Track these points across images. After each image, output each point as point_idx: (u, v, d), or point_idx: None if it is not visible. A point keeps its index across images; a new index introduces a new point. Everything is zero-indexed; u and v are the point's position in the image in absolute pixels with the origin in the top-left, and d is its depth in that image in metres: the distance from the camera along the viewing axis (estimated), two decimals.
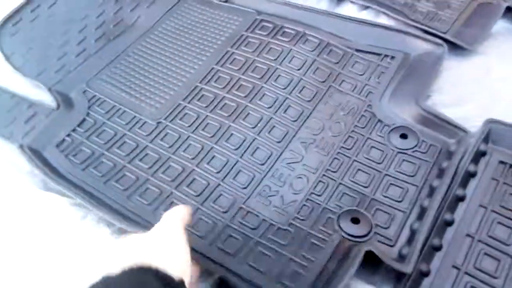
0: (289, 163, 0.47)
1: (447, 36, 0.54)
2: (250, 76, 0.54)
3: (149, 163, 0.47)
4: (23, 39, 0.60)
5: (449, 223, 0.40)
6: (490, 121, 0.45)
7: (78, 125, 0.51)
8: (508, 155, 0.44)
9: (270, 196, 0.44)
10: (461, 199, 0.41)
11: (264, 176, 0.46)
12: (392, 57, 0.54)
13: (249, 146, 0.48)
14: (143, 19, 0.63)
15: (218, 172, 0.46)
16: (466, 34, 0.55)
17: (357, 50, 0.56)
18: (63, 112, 0.53)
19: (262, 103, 0.51)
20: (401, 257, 0.38)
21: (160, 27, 0.62)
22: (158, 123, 0.51)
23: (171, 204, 0.44)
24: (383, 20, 0.58)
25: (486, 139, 0.44)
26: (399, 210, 0.42)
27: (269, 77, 0.53)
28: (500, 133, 0.45)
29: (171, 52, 0.58)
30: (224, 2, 0.64)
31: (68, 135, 0.50)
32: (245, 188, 0.45)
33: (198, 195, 0.45)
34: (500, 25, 0.57)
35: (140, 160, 0.48)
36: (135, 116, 0.52)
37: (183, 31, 0.61)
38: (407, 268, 0.37)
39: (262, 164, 0.46)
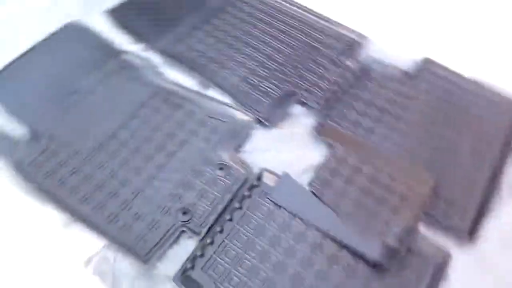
0: None
1: (258, 114, 0.99)
2: None
3: None
4: None
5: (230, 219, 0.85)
6: (262, 169, 0.91)
7: None
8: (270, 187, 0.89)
9: None
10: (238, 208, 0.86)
11: None
12: (223, 121, 0.98)
13: None
14: None
15: None
16: (274, 113, 1.00)
17: (209, 117, 0.99)
18: None
19: None
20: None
21: None
22: None
23: None
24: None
25: (258, 178, 0.89)
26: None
27: None
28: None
29: None
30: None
31: None
32: None
33: None
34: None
35: None
36: None
37: None
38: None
39: None
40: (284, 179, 0.89)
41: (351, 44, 1.15)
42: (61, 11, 1.17)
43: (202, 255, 0.80)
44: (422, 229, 0.85)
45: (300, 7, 1.24)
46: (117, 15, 1.17)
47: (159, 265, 0.79)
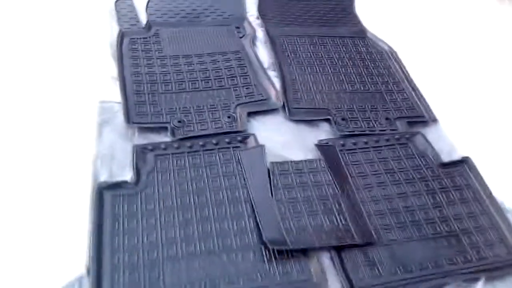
0: None
1: (289, 105, 1.14)
2: None
3: None
4: None
5: None
6: (253, 134, 1.06)
7: None
8: None
9: None
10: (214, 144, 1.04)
11: None
12: (260, 94, 1.16)
13: None
14: None
15: None
16: (301, 114, 1.15)
17: (254, 85, 1.19)
18: None
19: None
20: None
21: None
22: None
23: None
24: None
25: (244, 138, 1.05)
26: None
27: None
28: None
29: None
30: None
31: None
32: None
33: None
34: None
35: None
36: None
37: None
38: None
39: None
40: (258, 148, 1.02)
41: (415, 117, 1.19)
42: None
43: (164, 149, 1.01)
44: None
45: (402, 67, 1.32)
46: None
47: (136, 133, 1.03)
